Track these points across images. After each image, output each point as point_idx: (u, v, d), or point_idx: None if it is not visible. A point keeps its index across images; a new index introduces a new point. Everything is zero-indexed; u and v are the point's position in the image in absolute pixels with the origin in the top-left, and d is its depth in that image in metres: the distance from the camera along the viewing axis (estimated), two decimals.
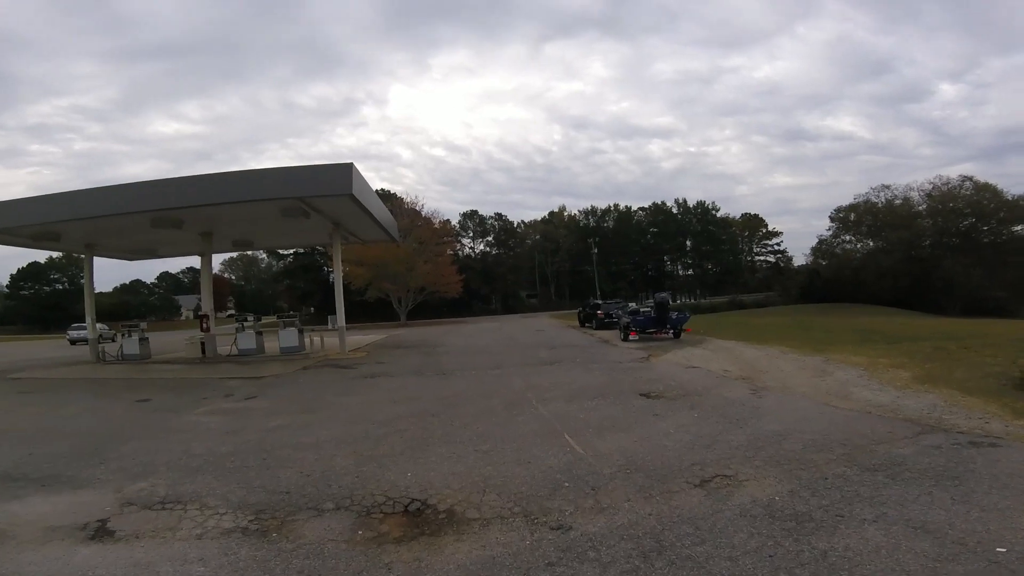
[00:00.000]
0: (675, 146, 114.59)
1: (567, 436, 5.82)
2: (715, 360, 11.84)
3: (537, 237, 73.32)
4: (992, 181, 47.86)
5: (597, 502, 4.05)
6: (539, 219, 77.80)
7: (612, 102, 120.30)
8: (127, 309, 75.75)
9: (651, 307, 17.22)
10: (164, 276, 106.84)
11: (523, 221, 76.81)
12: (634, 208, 78.61)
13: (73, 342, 30.18)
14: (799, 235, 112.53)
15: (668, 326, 16.00)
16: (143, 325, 17.99)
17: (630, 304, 23.19)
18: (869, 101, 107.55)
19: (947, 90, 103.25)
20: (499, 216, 72.54)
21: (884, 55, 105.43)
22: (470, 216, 71.59)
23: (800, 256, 73.55)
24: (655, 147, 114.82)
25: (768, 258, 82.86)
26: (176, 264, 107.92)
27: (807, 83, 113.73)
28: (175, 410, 8.68)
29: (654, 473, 4.62)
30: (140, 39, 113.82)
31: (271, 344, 16.73)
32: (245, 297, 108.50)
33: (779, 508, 3.75)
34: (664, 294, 16.48)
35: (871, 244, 53.81)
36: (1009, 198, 44.42)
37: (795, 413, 6.69)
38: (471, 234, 71.51)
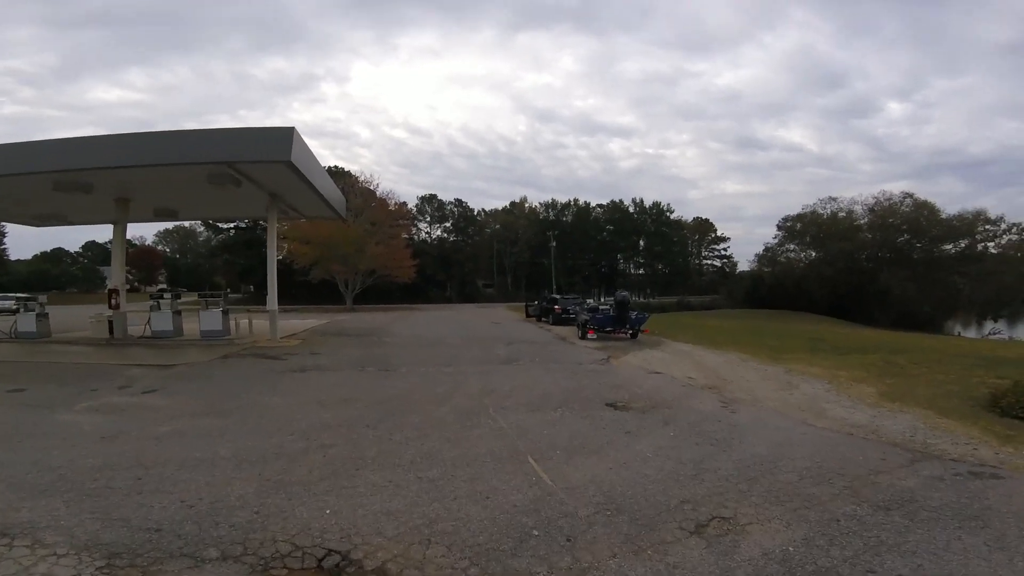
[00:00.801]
0: (634, 146, 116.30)
1: (532, 460, 4.88)
2: (676, 365, 11.33)
3: (497, 227, 72.12)
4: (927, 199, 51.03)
5: (576, 559, 3.16)
6: (500, 208, 76.79)
7: (578, 97, 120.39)
8: (46, 279, 68.56)
9: (610, 305, 16.65)
10: (90, 245, 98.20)
11: (483, 209, 75.47)
12: (593, 204, 79.08)
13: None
14: (744, 241, 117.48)
15: (627, 326, 15.47)
16: (41, 299, 15.51)
17: (588, 301, 22.67)
18: (820, 114, 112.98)
19: (894, 108, 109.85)
20: (459, 202, 70.79)
21: (840, 68, 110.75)
22: (429, 200, 69.34)
23: (744, 262, 76.44)
24: (615, 146, 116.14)
25: (715, 262, 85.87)
26: (103, 233, 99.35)
27: (765, 92, 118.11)
28: (50, 405, 7.10)
29: (640, 515, 3.78)
30: (84, 5, 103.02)
31: (192, 326, 14.82)
32: (179, 272, 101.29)
33: (798, 563, 3.12)
34: (625, 293, 15.94)
35: (813, 254, 56.40)
36: (944, 216, 47.47)
37: (776, 433, 6.12)
38: (429, 219, 69.38)
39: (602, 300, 19.49)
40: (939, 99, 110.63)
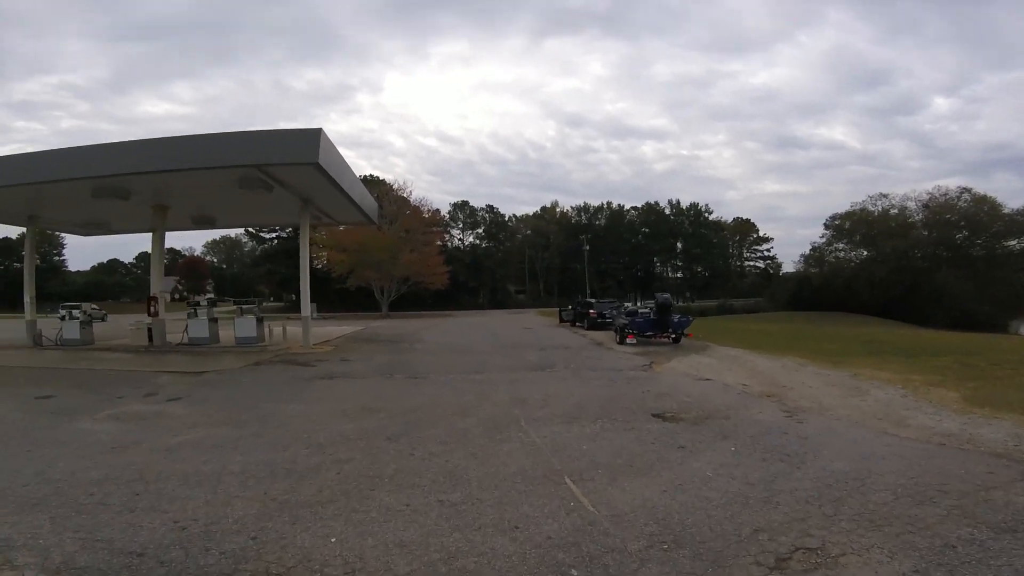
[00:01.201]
0: (668, 148, 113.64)
1: (569, 481, 4.24)
2: (727, 371, 10.41)
3: (528, 232, 71.62)
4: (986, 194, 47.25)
5: None
6: (531, 214, 76.31)
7: (608, 101, 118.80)
8: (102, 289, 72.82)
9: (650, 309, 15.77)
10: (143, 256, 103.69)
11: (514, 215, 75.18)
12: (626, 207, 77.43)
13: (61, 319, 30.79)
14: (784, 243, 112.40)
15: (669, 330, 14.55)
16: (87, 307, 15.99)
17: (625, 304, 21.74)
18: (862, 112, 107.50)
19: (940, 104, 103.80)
20: (490, 208, 70.67)
21: (882, 66, 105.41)
22: (460, 207, 69.62)
23: (789, 263, 72.96)
24: (648, 148, 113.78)
25: (757, 264, 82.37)
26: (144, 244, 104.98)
27: (802, 91, 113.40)
28: (72, 412, 6.97)
29: (705, 548, 3.12)
30: (131, 18, 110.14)
31: (229, 333, 14.89)
32: (225, 281, 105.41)
33: None
34: (666, 295, 15.02)
35: (864, 253, 53.17)
36: (1006, 211, 43.84)
37: (855, 446, 5.30)
38: (461, 225, 69.54)
39: (641, 303, 18.56)
40: (989, 94, 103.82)
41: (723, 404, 7.23)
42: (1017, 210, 43.49)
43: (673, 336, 14.66)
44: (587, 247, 56.60)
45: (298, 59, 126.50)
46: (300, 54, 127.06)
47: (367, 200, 16.59)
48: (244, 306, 14.85)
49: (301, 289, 14.59)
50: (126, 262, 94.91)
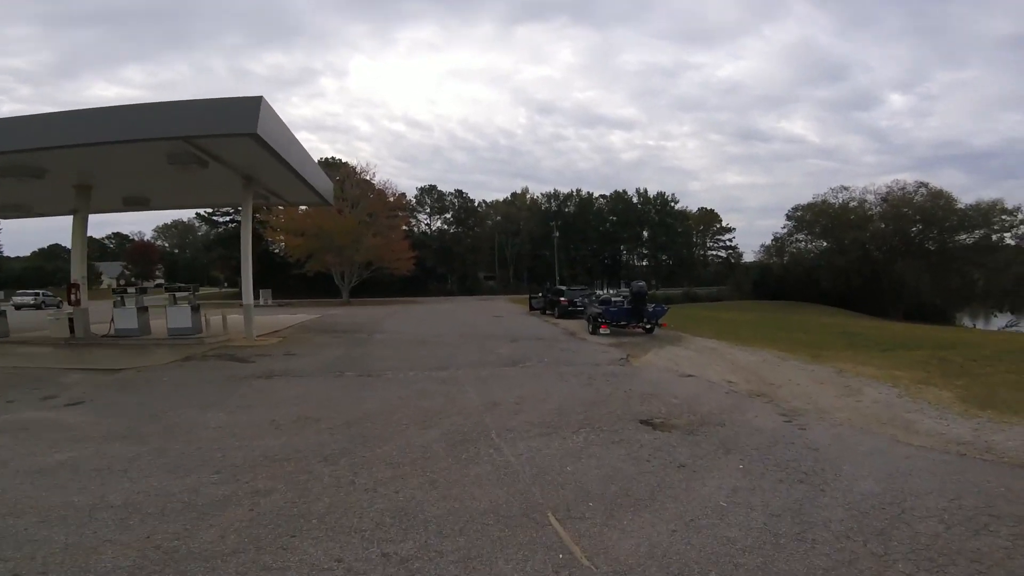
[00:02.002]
0: (635, 138, 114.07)
1: (554, 519, 3.33)
2: (708, 366, 9.80)
3: (498, 218, 70.34)
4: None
5: None
6: (501, 200, 74.99)
7: (578, 89, 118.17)
8: (41, 275, 67.32)
9: (624, 297, 15.09)
10: (88, 241, 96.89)
11: (484, 201, 73.64)
12: (596, 195, 77.21)
13: (18, 307, 30.89)
14: (744, 232, 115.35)
15: (644, 320, 13.91)
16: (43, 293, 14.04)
17: (597, 292, 21.08)
18: (822, 106, 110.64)
19: (896, 100, 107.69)
20: (459, 193, 68.84)
21: (841, 60, 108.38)
22: (428, 191, 67.52)
23: (749, 253, 74.65)
24: (616, 138, 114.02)
25: (720, 253, 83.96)
26: (101, 228, 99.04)
27: (766, 83, 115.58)
28: None
29: None
30: (82, 3, 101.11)
31: (163, 323, 13.28)
32: (177, 267, 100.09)
33: None
34: (641, 283, 14.31)
35: (824, 244, 54.68)
36: (960, 207, 45.68)
37: (874, 459, 4.67)
38: (428, 210, 67.54)
39: (613, 291, 17.90)
40: (941, 91, 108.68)
41: (714, 406, 6.51)
42: (970, 205, 45.40)
43: (647, 326, 14.03)
44: (557, 234, 55.94)
45: (258, 43, 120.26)
46: (260, 38, 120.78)
47: (320, 179, 15.09)
48: (177, 293, 13.24)
49: (242, 275, 13.11)
50: (68, 247, 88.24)
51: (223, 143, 10.43)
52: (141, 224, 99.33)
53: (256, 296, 42.18)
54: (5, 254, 73.31)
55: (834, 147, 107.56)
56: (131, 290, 13.60)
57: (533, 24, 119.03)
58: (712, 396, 7.13)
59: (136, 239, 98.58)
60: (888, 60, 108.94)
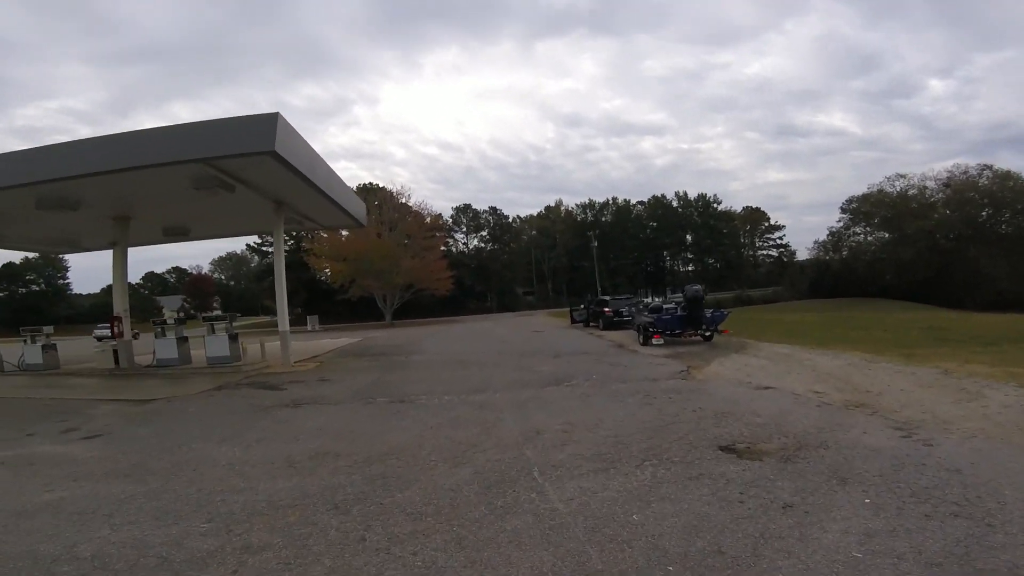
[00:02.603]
0: (667, 143, 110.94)
1: None
2: (786, 374, 8.51)
3: (533, 232, 69.78)
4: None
5: None
6: (536, 214, 74.50)
7: (604, 99, 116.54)
8: (108, 310, 71.98)
9: (676, 304, 13.87)
10: (150, 276, 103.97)
11: (518, 216, 73.32)
12: (633, 202, 75.39)
13: (100, 339, 32.37)
14: (791, 231, 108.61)
15: (703, 327, 12.64)
16: (47, 330, 14.45)
17: (644, 299, 19.81)
18: (859, 97, 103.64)
19: (936, 85, 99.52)
20: (493, 210, 68.78)
21: (871, 51, 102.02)
22: (463, 210, 67.84)
23: (801, 250, 70.33)
24: (647, 144, 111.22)
25: (771, 252, 79.72)
26: (162, 263, 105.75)
27: (796, 79, 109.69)
28: None
29: None
30: (128, 42, 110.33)
31: (204, 352, 13.20)
32: (232, 297, 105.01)
33: None
34: (697, 287, 13.03)
35: (884, 236, 50.73)
36: None
37: None
38: (464, 229, 67.77)
39: (663, 298, 16.62)
40: (983, 75, 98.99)
41: (808, 424, 5.34)
42: None
43: (707, 333, 12.73)
44: (595, 244, 54.65)
45: (294, 75, 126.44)
46: (296, 71, 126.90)
47: (350, 199, 14.81)
48: (215, 322, 13.15)
49: (277, 301, 12.88)
50: (133, 282, 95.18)
51: (245, 164, 10.21)
52: (198, 258, 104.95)
53: (304, 323, 43.55)
54: (74, 291, 78.68)
55: (877, 137, 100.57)
56: (169, 320, 13.60)
57: (552, 39, 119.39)
58: (802, 411, 5.94)
59: (194, 272, 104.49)
60: (921, 47, 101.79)
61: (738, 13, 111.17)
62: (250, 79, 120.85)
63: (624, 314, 19.15)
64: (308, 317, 40.34)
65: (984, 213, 43.28)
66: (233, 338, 12.60)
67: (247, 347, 13.05)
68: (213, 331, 12.89)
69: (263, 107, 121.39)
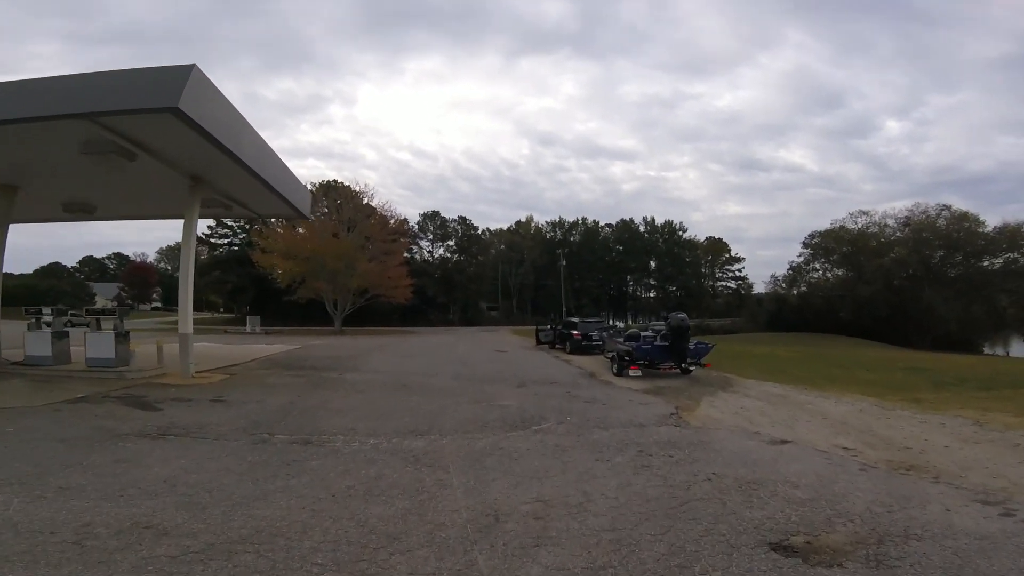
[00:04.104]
0: (636, 168, 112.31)
1: None
2: (793, 421, 7.07)
3: (502, 247, 68.13)
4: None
5: None
6: (505, 228, 73.06)
7: (579, 121, 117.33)
8: (35, 295, 65.36)
9: (654, 332, 12.40)
10: (88, 260, 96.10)
11: (488, 229, 71.62)
12: (601, 223, 75.26)
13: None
14: (746, 263, 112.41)
15: (687, 359, 11.19)
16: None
17: (616, 324, 18.35)
18: (820, 134, 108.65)
19: (893, 126, 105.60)
20: (463, 220, 66.60)
21: (838, 87, 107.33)
22: (431, 217, 65.40)
23: (760, 283, 71.78)
24: (617, 168, 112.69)
25: (729, 284, 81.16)
26: (102, 248, 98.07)
27: (763, 112, 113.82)
28: None
29: None
30: (102, 22, 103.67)
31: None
32: (174, 290, 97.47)
33: None
34: (682, 315, 11.51)
35: (840, 273, 51.97)
36: (986, 230, 43.08)
37: None
38: (431, 236, 65.31)
39: (638, 323, 15.12)
40: (936, 116, 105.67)
41: (867, 499, 3.83)
42: (996, 227, 42.84)
43: (689, 366, 11.26)
44: (564, 262, 53.60)
45: (271, 68, 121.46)
46: (273, 63, 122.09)
47: (289, 184, 12.55)
48: (101, 317, 10.67)
49: (180, 297, 10.57)
50: (69, 266, 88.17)
51: (144, 125, 8.03)
52: (145, 245, 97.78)
53: (244, 323, 39.79)
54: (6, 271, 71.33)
55: (834, 175, 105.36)
56: (48, 312, 10.96)
57: (537, 56, 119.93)
58: (845, 477, 4.43)
59: (136, 260, 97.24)
60: (883, 86, 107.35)
61: (717, 43, 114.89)
62: (224, 69, 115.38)
63: (593, 338, 17.63)
64: (249, 318, 36.90)
65: (938, 254, 44.77)
66: (122, 337, 10.15)
67: (136, 347, 10.57)
68: (99, 327, 10.42)
69: (234, 97, 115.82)
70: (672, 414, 7.34)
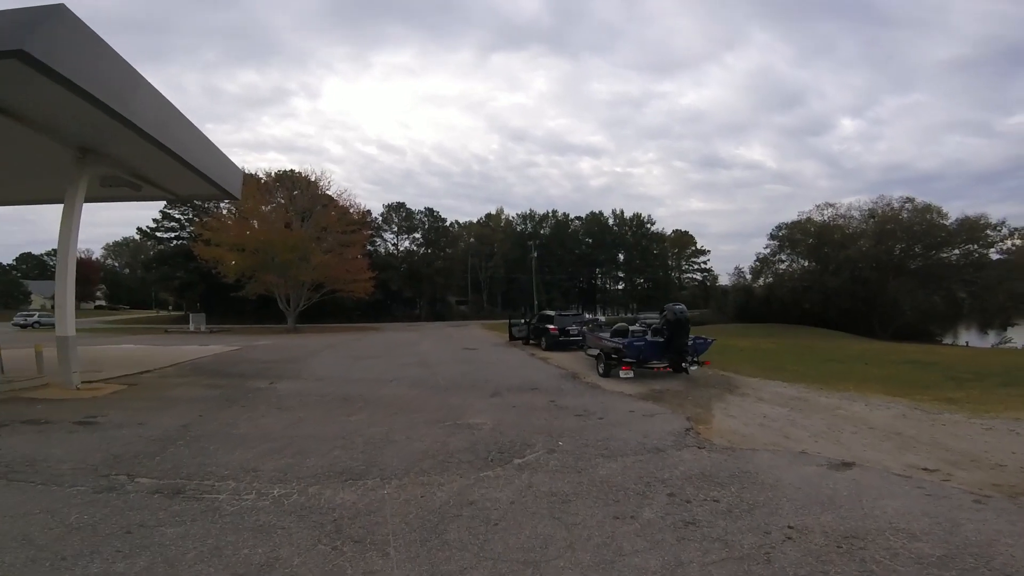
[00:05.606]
0: (604, 165, 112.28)
1: None
2: (834, 433, 5.68)
3: (471, 240, 65.98)
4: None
5: None
6: (475, 221, 70.96)
7: (550, 117, 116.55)
8: None
9: (647, 327, 10.90)
10: (25, 257, 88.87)
11: (456, 221, 69.27)
12: (571, 216, 74.32)
13: (23, 327, 29.49)
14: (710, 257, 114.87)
15: (688, 358, 9.73)
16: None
17: (597, 318, 16.90)
18: (779, 132, 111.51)
19: (847, 125, 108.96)
20: (430, 211, 63.95)
21: (799, 88, 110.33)
22: (396, 208, 62.55)
23: (724, 275, 72.60)
24: (585, 164, 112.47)
25: (695, 276, 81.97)
26: (41, 245, 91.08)
27: (727, 111, 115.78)
28: None
29: None
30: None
31: None
32: (121, 287, 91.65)
33: None
34: (680, 306, 9.99)
35: (805, 264, 52.56)
36: (947, 222, 44.09)
37: None
38: (395, 228, 62.42)
39: (603, 315, 13.60)
40: (890, 116, 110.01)
41: (1020, 550, 2.32)
42: (956, 220, 43.91)
43: (685, 365, 9.81)
44: (535, 254, 52.07)
45: (234, 60, 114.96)
46: (237, 55, 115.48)
47: (212, 160, 10.34)
48: None
49: (56, 293, 8.34)
50: (5, 263, 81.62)
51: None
52: (91, 242, 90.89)
53: (187, 321, 36.38)
54: None
55: (790, 172, 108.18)
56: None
57: (511, 52, 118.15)
58: (971, 517, 3.04)
59: (83, 255, 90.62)
60: (843, 87, 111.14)
61: (686, 42, 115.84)
62: (185, 59, 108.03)
63: (572, 333, 16.12)
64: (192, 316, 33.70)
65: (901, 246, 45.65)
66: None
67: (1, 354, 8.31)
68: None
69: (193, 91, 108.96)
70: (688, 429, 5.80)
